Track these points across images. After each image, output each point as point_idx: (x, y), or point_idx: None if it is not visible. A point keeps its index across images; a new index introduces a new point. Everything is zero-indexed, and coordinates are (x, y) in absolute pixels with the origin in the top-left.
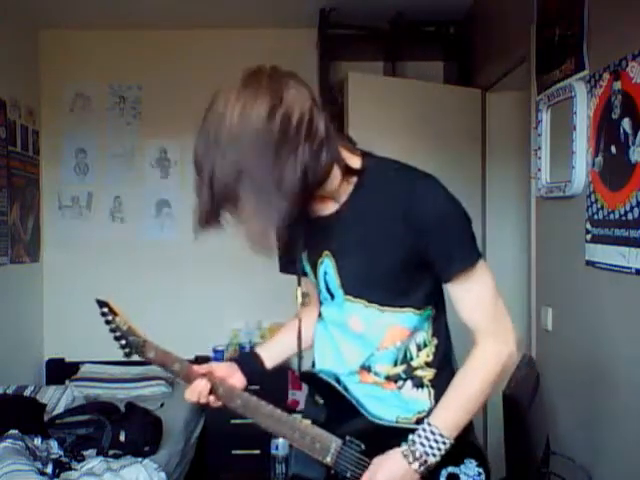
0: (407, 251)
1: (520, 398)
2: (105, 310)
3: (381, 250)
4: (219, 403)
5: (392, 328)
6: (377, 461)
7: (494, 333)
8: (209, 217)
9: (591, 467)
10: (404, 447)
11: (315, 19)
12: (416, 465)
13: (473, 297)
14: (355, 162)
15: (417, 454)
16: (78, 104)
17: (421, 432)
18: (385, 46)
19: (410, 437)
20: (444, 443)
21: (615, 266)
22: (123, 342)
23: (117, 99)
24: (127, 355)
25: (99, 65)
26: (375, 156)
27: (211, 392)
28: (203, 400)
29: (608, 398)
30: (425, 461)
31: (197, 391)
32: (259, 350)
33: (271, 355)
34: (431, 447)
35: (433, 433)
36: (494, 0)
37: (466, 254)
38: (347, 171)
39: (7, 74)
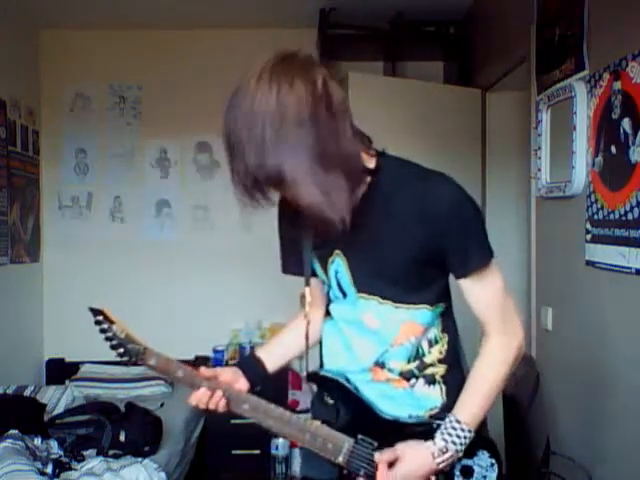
0: (420, 249)
1: (520, 398)
2: (100, 318)
3: (393, 248)
4: (226, 408)
5: (406, 324)
6: (402, 452)
7: (504, 327)
8: (257, 197)
9: (591, 467)
10: (436, 448)
11: (315, 19)
12: (443, 464)
13: (486, 293)
14: (369, 162)
15: (448, 455)
16: (78, 104)
17: (452, 430)
18: (385, 46)
19: (441, 437)
20: (470, 438)
21: (615, 266)
22: (121, 350)
23: (117, 99)
24: (128, 363)
25: (99, 65)
26: (389, 156)
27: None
28: (208, 407)
29: (608, 398)
30: (453, 460)
31: (198, 399)
32: (260, 353)
33: (273, 359)
34: (461, 444)
35: (463, 430)
36: (494, 0)
37: (483, 251)
38: (362, 170)
39: (7, 74)
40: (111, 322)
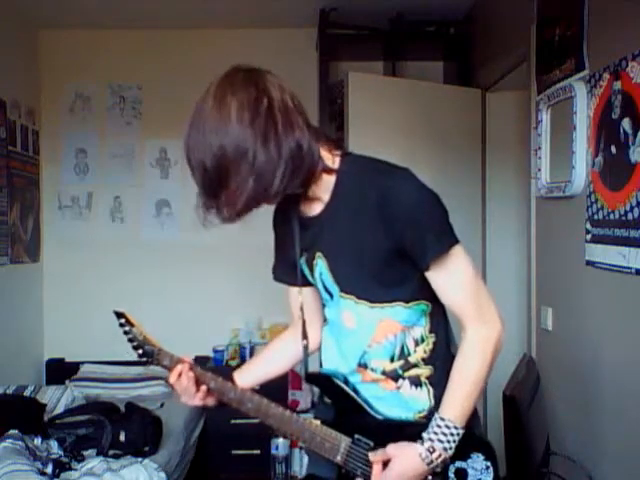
0: (387, 245)
1: (520, 398)
2: (122, 321)
3: (363, 246)
4: (232, 405)
5: (382, 322)
6: (392, 452)
7: (480, 316)
8: (209, 202)
9: (591, 467)
10: (423, 449)
11: (315, 19)
12: (434, 464)
13: (453, 283)
14: (333, 162)
15: (436, 454)
16: (78, 104)
17: (437, 429)
18: (385, 46)
19: (427, 437)
20: (458, 434)
21: (615, 266)
22: (140, 351)
23: (117, 99)
24: (146, 363)
25: (99, 65)
26: (353, 155)
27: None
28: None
29: (608, 398)
30: (444, 459)
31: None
32: (235, 375)
33: (247, 380)
34: (448, 441)
35: (448, 427)
36: (494, 0)
37: (439, 240)
38: (324, 171)
39: (7, 74)
40: (131, 325)
